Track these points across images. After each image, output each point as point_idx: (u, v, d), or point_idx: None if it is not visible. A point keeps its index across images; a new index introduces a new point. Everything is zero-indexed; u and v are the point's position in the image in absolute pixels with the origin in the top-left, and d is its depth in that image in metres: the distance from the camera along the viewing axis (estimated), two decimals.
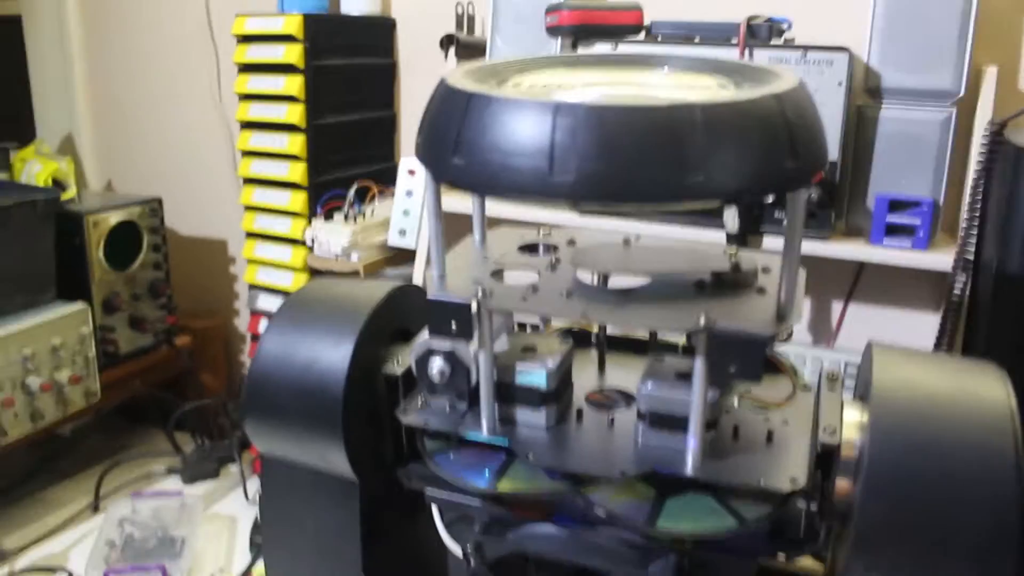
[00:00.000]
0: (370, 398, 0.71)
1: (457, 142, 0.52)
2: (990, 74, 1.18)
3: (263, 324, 1.58)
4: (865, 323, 1.43)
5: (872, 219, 1.19)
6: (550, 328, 0.78)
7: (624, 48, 1.25)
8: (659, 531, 0.59)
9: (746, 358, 0.55)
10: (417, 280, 1.41)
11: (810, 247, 1.17)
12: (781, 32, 1.20)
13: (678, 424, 0.61)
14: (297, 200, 1.46)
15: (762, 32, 1.18)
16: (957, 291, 1.13)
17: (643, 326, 0.60)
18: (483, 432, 0.65)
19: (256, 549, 1.44)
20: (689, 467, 0.60)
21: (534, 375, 0.64)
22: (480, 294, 0.59)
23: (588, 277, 0.64)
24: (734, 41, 1.20)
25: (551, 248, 0.72)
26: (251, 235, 1.54)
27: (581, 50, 1.27)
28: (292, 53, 1.40)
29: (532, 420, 0.65)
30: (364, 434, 0.71)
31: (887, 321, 1.41)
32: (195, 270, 1.95)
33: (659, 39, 1.27)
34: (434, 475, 0.71)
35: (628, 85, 0.60)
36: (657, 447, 0.62)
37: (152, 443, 1.82)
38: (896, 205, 1.17)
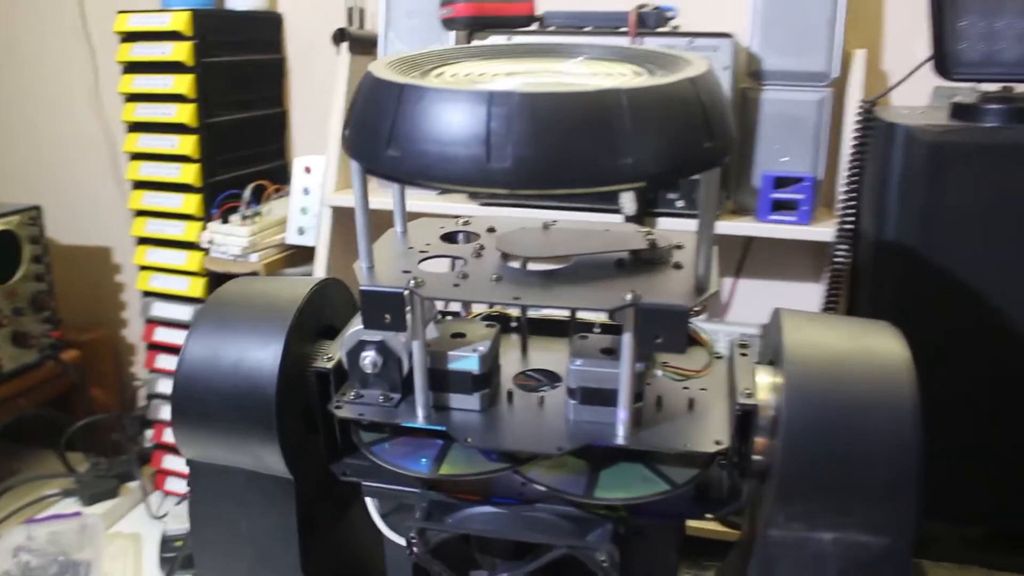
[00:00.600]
0: (301, 395, 0.71)
1: (391, 134, 0.53)
2: (859, 57, 1.27)
3: (159, 332, 1.54)
4: (754, 296, 1.51)
5: (759, 196, 1.25)
6: (471, 314, 0.80)
7: (537, 38, 1.28)
8: (597, 500, 0.62)
9: (670, 329, 0.58)
10: (319, 274, 1.40)
11: None
12: (668, 20, 1.25)
13: (607, 398, 0.64)
14: (191, 202, 1.42)
15: (651, 20, 1.23)
16: (840, 260, 1.21)
17: (573, 305, 0.63)
18: (419, 420, 0.66)
19: (169, 565, 1.40)
20: (620, 437, 0.63)
21: (466, 360, 0.66)
22: (412, 283, 0.61)
23: (514, 262, 0.66)
24: (623, 29, 1.24)
25: (472, 236, 0.74)
26: (142, 240, 1.49)
27: (476, 42, 1.29)
28: (181, 51, 1.36)
29: (466, 404, 0.67)
30: (298, 431, 0.71)
31: (774, 293, 1.49)
32: (80, 281, 1.87)
33: (551, 29, 1.30)
34: (370, 467, 0.72)
35: (548, 73, 0.62)
36: (588, 421, 0.65)
37: (43, 465, 1.73)
38: (780, 182, 1.24)
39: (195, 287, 1.46)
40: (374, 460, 0.66)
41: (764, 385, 0.66)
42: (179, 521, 1.51)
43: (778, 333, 0.67)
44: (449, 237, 0.73)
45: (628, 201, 1.24)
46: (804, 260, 1.45)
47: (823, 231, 1.22)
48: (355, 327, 0.67)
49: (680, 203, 1.27)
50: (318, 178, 1.42)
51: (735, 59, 1.21)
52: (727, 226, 1.26)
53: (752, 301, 1.51)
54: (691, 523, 0.70)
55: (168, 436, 1.56)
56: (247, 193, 1.42)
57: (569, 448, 0.62)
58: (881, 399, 0.61)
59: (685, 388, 0.70)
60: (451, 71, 0.62)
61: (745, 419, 0.64)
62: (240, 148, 1.50)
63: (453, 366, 0.66)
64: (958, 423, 0.97)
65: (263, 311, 0.71)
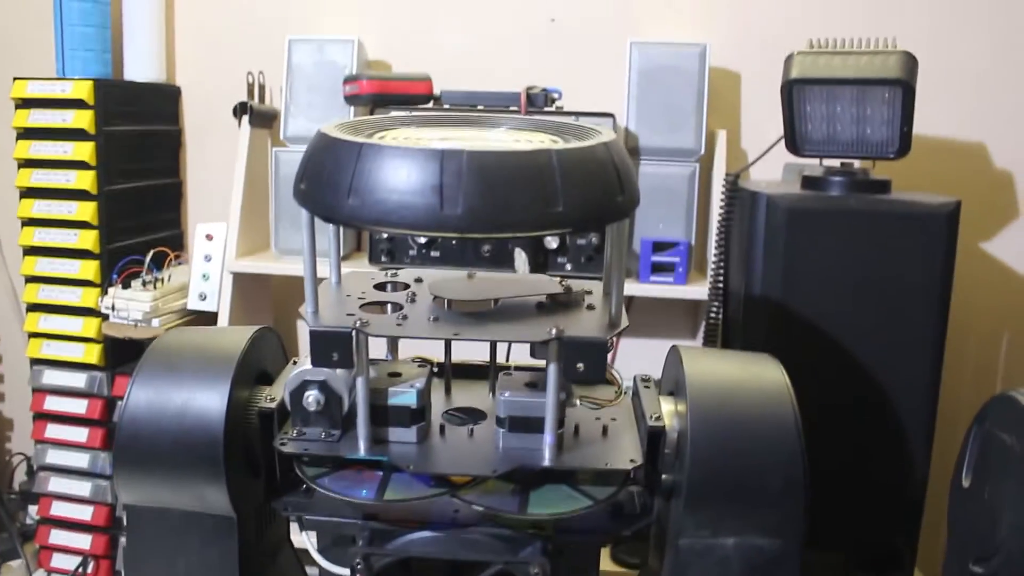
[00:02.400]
0: (243, 436, 0.75)
1: (352, 186, 0.60)
2: (721, 136, 1.43)
3: (50, 401, 1.50)
4: (636, 354, 1.63)
5: (639, 260, 1.38)
6: (398, 358, 0.86)
7: (457, 113, 1.37)
8: (531, 516, 0.69)
9: (591, 358, 0.67)
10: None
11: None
12: (554, 100, 1.38)
13: (533, 425, 0.71)
14: (89, 268, 1.42)
15: (539, 100, 1.35)
16: (712, 316, 1.34)
17: (506, 339, 0.70)
18: (361, 452, 0.71)
19: None
20: (547, 459, 0.70)
21: (405, 396, 0.72)
22: (358, 323, 0.67)
23: (445, 304, 0.74)
24: (513, 108, 1.36)
25: (401, 285, 0.81)
26: (34, 308, 1.47)
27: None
28: (82, 118, 1.38)
29: (404, 437, 0.73)
30: (240, 471, 0.75)
31: (655, 349, 1.61)
32: None
33: (447, 107, 1.40)
34: (309, 502, 0.76)
35: (478, 140, 0.71)
36: (516, 448, 0.72)
37: None
38: (658, 246, 1.37)
39: (91, 353, 1.44)
40: (322, 492, 0.71)
41: (668, 412, 0.75)
42: None
43: (678, 365, 0.77)
44: (381, 287, 0.80)
45: (521, 263, 1.33)
46: (680, 319, 1.58)
47: (697, 290, 1.36)
48: (297, 369, 0.73)
49: (568, 266, 1.37)
50: (219, 245, 1.45)
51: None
52: None
53: (633, 359, 1.63)
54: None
55: (57, 510, 1.51)
56: (148, 259, 1.43)
57: (503, 471, 0.69)
58: (769, 417, 0.71)
59: (597, 419, 0.79)
60: (391, 135, 0.70)
61: (654, 439, 0.73)
62: (138, 216, 1.51)
63: (393, 401, 0.72)
64: (820, 452, 1.10)
65: (208, 357, 0.76)
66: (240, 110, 1.48)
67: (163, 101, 1.59)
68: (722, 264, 1.33)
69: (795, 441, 0.70)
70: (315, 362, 0.68)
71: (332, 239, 0.76)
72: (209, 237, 1.46)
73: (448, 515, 0.74)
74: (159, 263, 1.46)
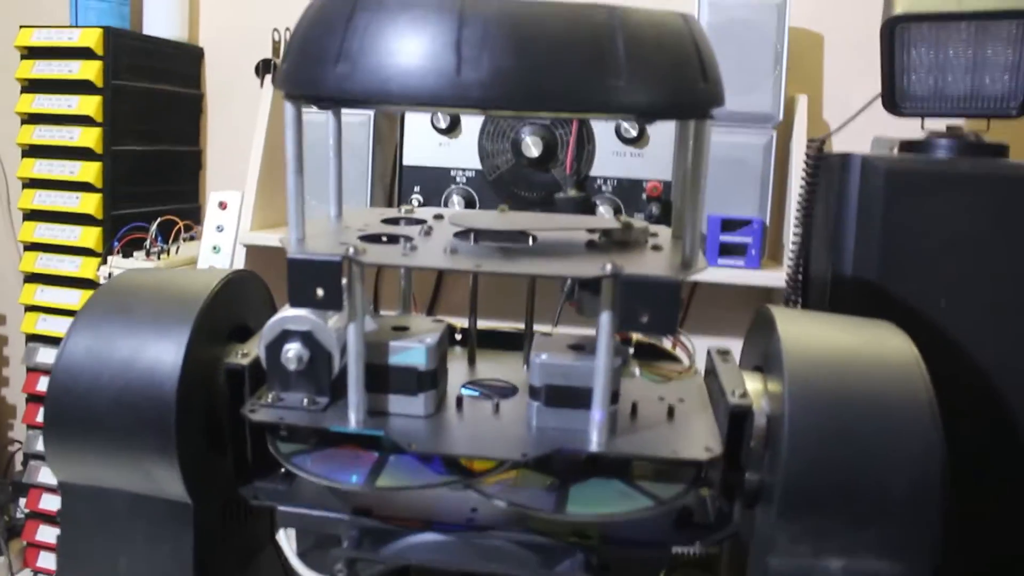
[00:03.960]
0: (205, 403, 0.59)
1: (341, 50, 0.44)
2: (802, 102, 1.25)
3: (44, 382, 1.36)
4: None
5: (706, 240, 1.20)
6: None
7: None
8: (571, 518, 0.51)
9: (659, 305, 0.49)
10: None
11: None
12: None
13: (577, 398, 0.54)
14: (89, 236, 1.29)
15: None
16: (790, 306, 1.16)
17: (542, 273, 0.53)
18: (351, 424, 0.54)
19: None
20: (595, 443, 0.53)
21: (411, 353, 0.55)
22: (352, 251, 0.51)
23: (471, 239, 0.57)
24: None
25: (417, 221, 0.64)
26: (31, 278, 1.34)
27: None
28: (89, 69, 1.25)
29: (408, 408, 0.56)
30: (200, 447, 0.59)
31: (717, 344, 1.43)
32: None
33: None
34: (285, 490, 0.60)
35: None
36: (555, 428, 0.54)
37: None
38: (728, 225, 1.19)
39: None
40: (295, 472, 0.54)
41: (755, 392, 0.57)
42: None
43: (769, 332, 0.59)
44: (392, 222, 0.64)
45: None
46: (748, 312, 1.39)
47: (772, 276, 1.17)
48: (276, 316, 0.57)
49: None
50: (233, 215, 1.31)
51: None
52: None
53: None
54: None
55: (46, 503, 1.37)
56: (154, 228, 1.29)
57: (536, 455, 0.52)
58: (895, 399, 0.53)
59: (661, 398, 0.61)
60: None
61: (738, 421, 0.55)
62: (149, 182, 1.38)
63: (395, 360, 0.55)
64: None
65: (164, 301, 0.60)
66: (263, 68, 1.34)
67: (183, 62, 1.46)
68: (804, 245, 1.14)
69: (930, 431, 0.52)
70: (293, 300, 0.52)
71: (330, 133, 0.59)
72: (223, 206, 1.31)
73: (462, 513, 0.57)
74: (166, 233, 1.32)
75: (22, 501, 1.43)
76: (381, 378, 0.56)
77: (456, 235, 0.58)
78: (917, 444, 0.51)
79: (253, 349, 0.60)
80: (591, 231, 0.59)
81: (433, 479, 0.53)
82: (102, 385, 0.56)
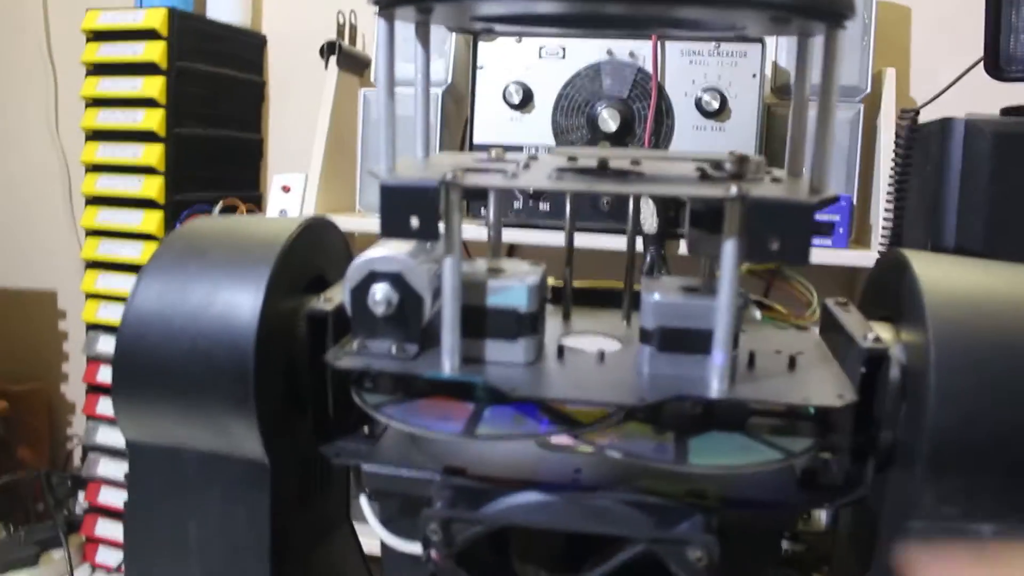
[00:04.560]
0: (286, 353, 0.55)
1: None
2: (890, 75, 1.18)
3: (104, 372, 1.35)
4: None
5: None
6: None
7: None
8: (695, 468, 0.46)
9: (791, 229, 0.44)
10: None
11: None
12: None
13: (694, 343, 0.49)
14: (151, 220, 1.27)
15: None
16: None
17: (661, 192, 0.48)
18: (446, 370, 0.50)
19: None
20: (716, 390, 0.47)
21: (511, 293, 0.51)
22: (451, 176, 0.46)
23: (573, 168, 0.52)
24: None
25: (512, 162, 0.60)
26: (93, 265, 1.32)
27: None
28: (154, 51, 1.23)
29: (507, 355, 0.51)
30: (279, 399, 0.55)
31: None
32: (15, 326, 1.67)
33: None
34: (369, 449, 0.55)
35: None
36: (670, 375, 0.49)
37: None
38: None
39: None
40: (386, 421, 0.49)
41: (887, 340, 0.51)
42: None
43: (900, 276, 0.53)
44: (484, 162, 0.59)
45: (649, 215, 1.11)
46: (834, 295, 1.32)
47: (864, 255, 1.10)
48: (362, 257, 0.52)
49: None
50: (297, 198, 1.28)
51: (763, 66, 1.11)
52: None
53: None
54: None
55: (105, 497, 1.35)
56: (216, 211, 1.27)
57: (653, 400, 0.46)
58: None
59: (778, 351, 0.55)
60: None
61: (875, 365, 0.49)
62: (210, 166, 1.36)
63: (493, 301, 0.51)
64: None
65: (240, 244, 0.56)
66: (328, 50, 1.31)
67: (247, 48, 1.45)
68: (898, 220, 1.07)
69: None
70: (385, 230, 0.47)
71: (418, 62, 0.55)
72: (286, 189, 1.29)
73: (566, 474, 0.52)
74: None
75: (81, 495, 1.41)
76: (477, 322, 0.51)
77: (558, 169, 0.53)
78: None
79: (337, 295, 0.56)
80: (701, 165, 0.54)
81: (536, 428, 0.48)
82: (174, 333, 0.53)
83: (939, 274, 0.51)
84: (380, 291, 0.51)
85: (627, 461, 0.47)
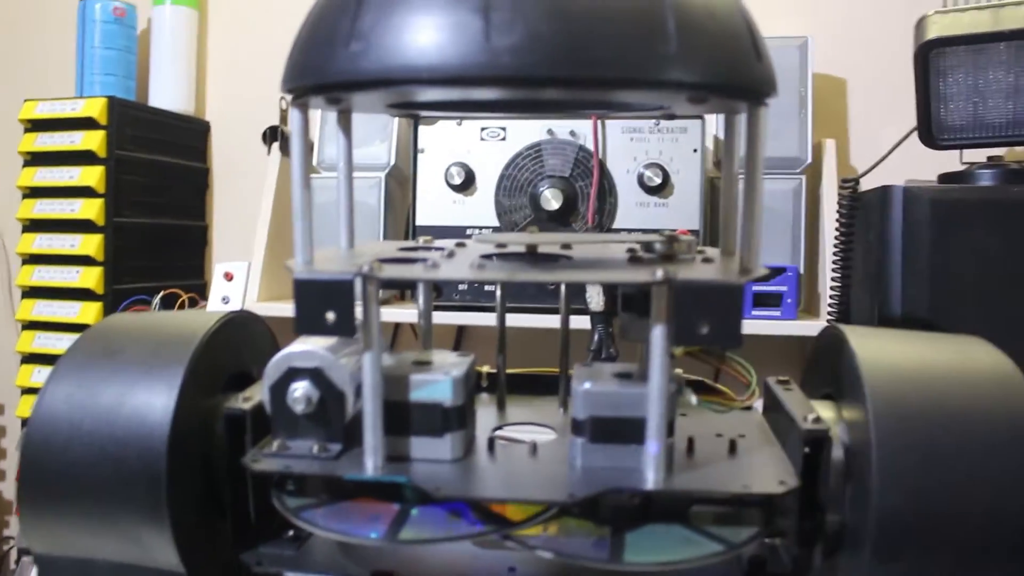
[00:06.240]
0: (202, 455, 0.52)
1: (353, 29, 0.39)
2: (830, 146, 1.20)
3: None
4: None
5: None
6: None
7: None
8: (629, 566, 0.43)
9: (720, 312, 0.43)
10: None
11: None
12: None
13: (628, 432, 0.47)
14: (89, 311, 1.23)
15: None
16: None
17: (586, 280, 0.47)
18: (367, 470, 0.47)
19: None
20: (651, 482, 0.45)
21: (435, 387, 0.49)
22: (368, 269, 0.44)
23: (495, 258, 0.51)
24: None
25: (437, 249, 0.58)
26: (28, 359, 1.28)
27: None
28: (92, 139, 1.22)
29: (433, 452, 0.49)
30: (195, 505, 0.51)
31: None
32: None
33: None
34: (292, 556, 0.52)
35: None
36: (604, 467, 0.47)
37: None
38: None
39: None
40: (305, 527, 0.46)
41: (828, 420, 0.50)
42: None
43: (839, 353, 0.52)
44: (409, 251, 0.58)
45: (595, 294, 1.10)
46: (784, 364, 1.31)
47: (811, 325, 1.10)
48: (281, 352, 0.50)
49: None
50: (240, 286, 1.25)
51: (703, 142, 1.12)
52: None
53: None
54: None
55: None
56: (157, 301, 1.24)
57: (584, 496, 0.44)
58: (1000, 420, 0.45)
59: (719, 435, 0.54)
60: None
61: (816, 449, 0.47)
62: (153, 255, 1.33)
63: (417, 395, 0.48)
64: None
65: (155, 342, 0.53)
66: (270, 135, 1.31)
67: (190, 135, 1.43)
68: (844, 289, 1.08)
69: None
70: (300, 326, 0.45)
71: (340, 150, 0.54)
72: (228, 276, 1.26)
73: (501, 570, 0.49)
74: (169, 308, 1.27)
75: None
76: (401, 418, 0.48)
77: (482, 256, 0.52)
78: None
79: (256, 394, 0.53)
80: (632, 246, 0.53)
81: (466, 530, 0.46)
82: (83, 435, 0.50)
83: (877, 349, 0.50)
84: (300, 388, 0.49)
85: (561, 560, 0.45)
